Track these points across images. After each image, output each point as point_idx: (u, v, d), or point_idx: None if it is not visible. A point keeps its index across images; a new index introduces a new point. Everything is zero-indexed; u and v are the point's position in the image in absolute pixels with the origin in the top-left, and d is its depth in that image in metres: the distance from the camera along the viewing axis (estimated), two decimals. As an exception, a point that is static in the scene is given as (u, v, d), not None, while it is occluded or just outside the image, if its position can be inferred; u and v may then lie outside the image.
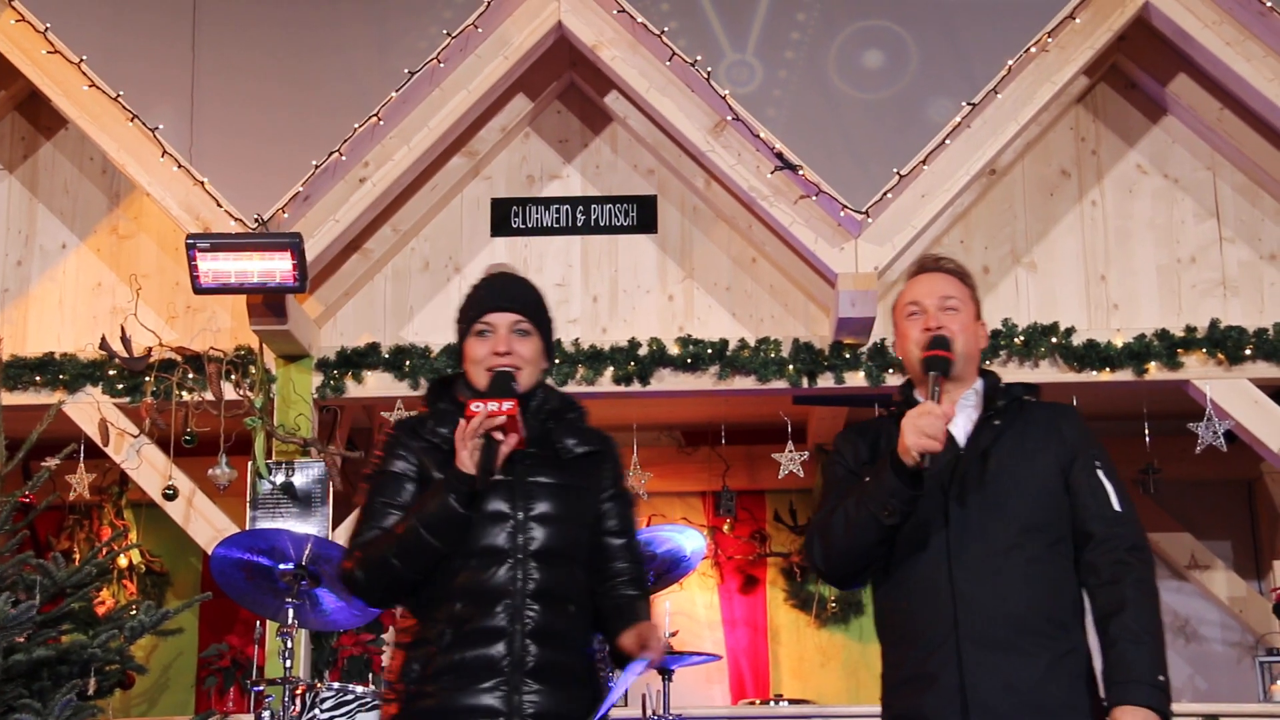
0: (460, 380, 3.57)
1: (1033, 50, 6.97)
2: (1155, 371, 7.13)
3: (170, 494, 7.06)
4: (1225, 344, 7.09)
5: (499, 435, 3.30)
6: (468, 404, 3.32)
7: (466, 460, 3.29)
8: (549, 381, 3.65)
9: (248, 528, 6.95)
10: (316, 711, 5.39)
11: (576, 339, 7.30)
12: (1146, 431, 7.42)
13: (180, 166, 6.98)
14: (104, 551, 5.76)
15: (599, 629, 3.48)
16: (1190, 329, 7.14)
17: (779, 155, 6.87)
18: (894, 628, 3.54)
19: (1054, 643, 3.38)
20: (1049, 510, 3.46)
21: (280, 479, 7.09)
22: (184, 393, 7.11)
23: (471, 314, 3.53)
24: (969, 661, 3.36)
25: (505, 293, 3.53)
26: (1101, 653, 3.39)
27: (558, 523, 3.41)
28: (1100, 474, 3.50)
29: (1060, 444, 3.52)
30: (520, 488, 3.40)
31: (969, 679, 3.36)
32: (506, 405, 3.28)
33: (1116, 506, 3.46)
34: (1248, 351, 7.08)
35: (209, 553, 5.95)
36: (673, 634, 7.19)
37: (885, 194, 6.89)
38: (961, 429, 3.55)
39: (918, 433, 3.35)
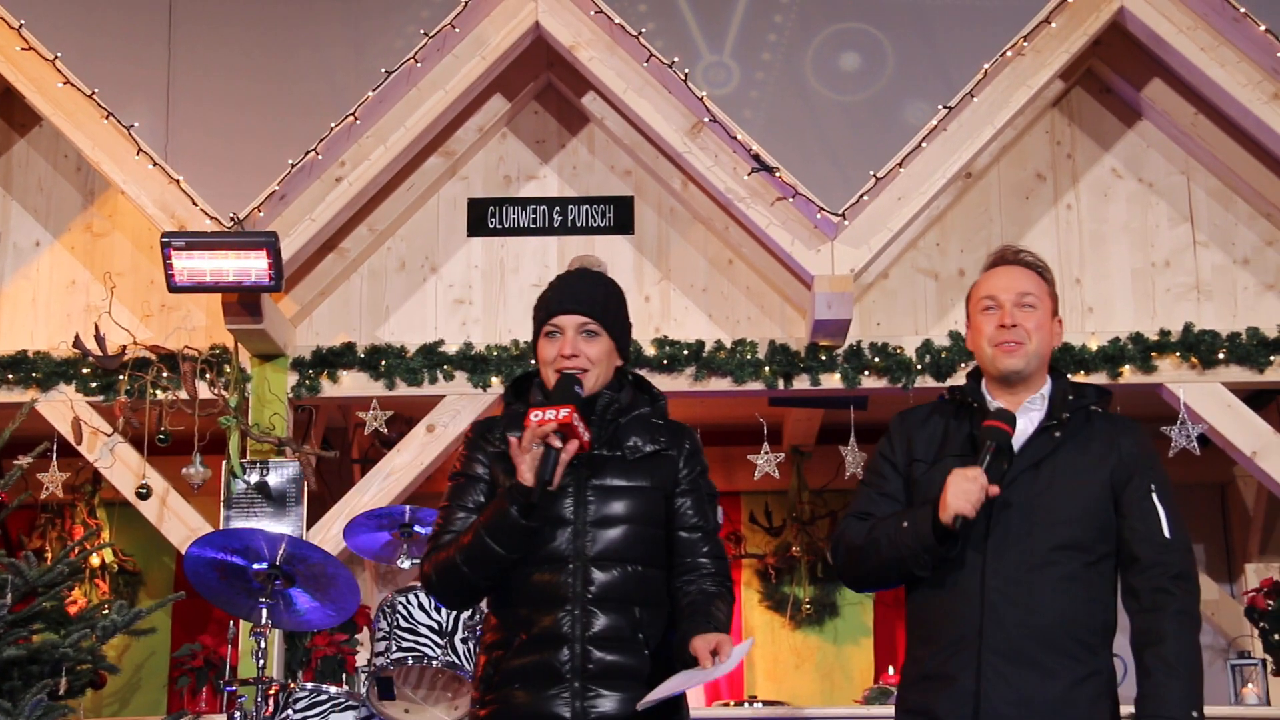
0: (536, 381, 3.60)
1: (1009, 54, 6.99)
2: (1129, 375, 7.16)
3: (144, 493, 7.03)
4: (1199, 348, 7.12)
5: (556, 443, 3.31)
6: (529, 412, 3.35)
7: (525, 472, 3.30)
8: (639, 374, 3.68)
9: (222, 527, 6.93)
10: (290, 712, 5.38)
11: (552, 340, 7.29)
12: (1120, 435, 7.44)
13: (155, 164, 6.95)
14: (76, 550, 5.74)
15: (673, 624, 3.47)
16: (1164, 333, 7.18)
17: (756, 157, 6.88)
18: (921, 625, 3.55)
19: (1077, 664, 3.37)
20: (1092, 530, 3.44)
21: (255, 478, 7.07)
22: (158, 391, 7.08)
23: (541, 315, 3.56)
24: (988, 670, 3.36)
25: (573, 294, 3.55)
26: (1137, 681, 3.38)
27: (620, 525, 3.42)
28: (1155, 498, 3.46)
29: (1117, 463, 3.49)
30: (583, 492, 3.42)
31: (985, 687, 3.36)
32: (563, 414, 3.30)
33: (1167, 533, 3.42)
34: (1221, 355, 7.11)
35: (182, 552, 5.94)
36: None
37: (861, 196, 6.90)
38: (1021, 434, 3.52)
39: (957, 494, 3.36)
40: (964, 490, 3.36)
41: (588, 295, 3.55)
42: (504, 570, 3.38)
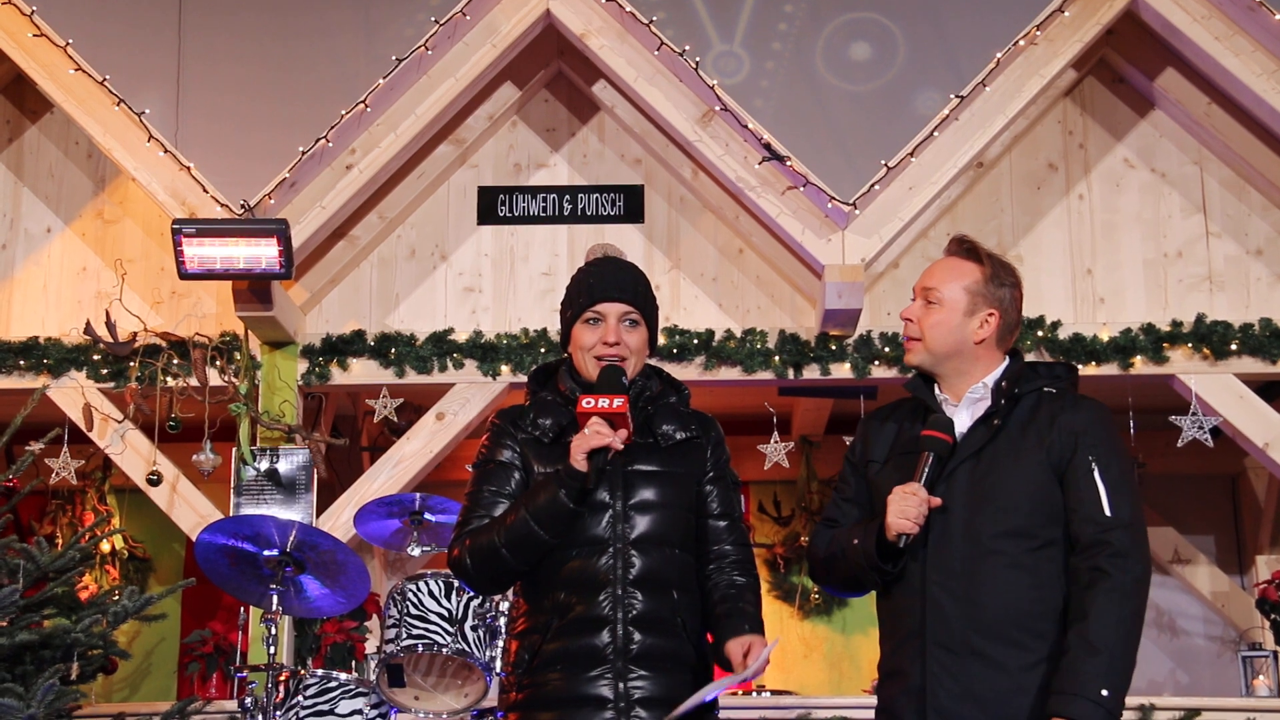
0: (564, 367, 3.61)
1: (1021, 43, 6.97)
2: (1141, 366, 7.14)
3: (154, 479, 7.04)
4: (1211, 339, 7.10)
5: (608, 433, 3.34)
6: (579, 398, 3.39)
7: (580, 457, 3.33)
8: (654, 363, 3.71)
9: (232, 514, 6.94)
10: (299, 698, 5.39)
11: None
12: (1132, 425, 7.44)
13: (166, 151, 6.94)
14: (87, 536, 5.75)
15: (705, 616, 3.51)
16: (1176, 323, 7.16)
17: (767, 146, 6.86)
18: (882, 622, 3.57)
19: (1025, 652, 3.32)
20: (1037, 515, 3.37)
21: (265, 465, 7.07)
22: (169, 378, 7.08)
23: (582, 301, 3.55)
24: (932, 664, 3.34)
25: (617, 282, 3.56)
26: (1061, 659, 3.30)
27: (658, 510, 3.45)
28: (1096, 474, 3.37)
29: (1056, 441, 3.40)
30: (620, 476, 3.45)
31: (930, 681, 3.34)
32: (617, 403, 3.35)
33: (1107, 510, 3.33)
34: (1233, 346, 7.09)
35: (193, 538, 5.94)
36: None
37: (872, 186, 6.88)
38: (965, 424, 3.48)
39: (896, 513, 3.34)
40: (902, 509, 3.34)
41: (631, 284, 3.57)
42: (541, 555, 3.40)
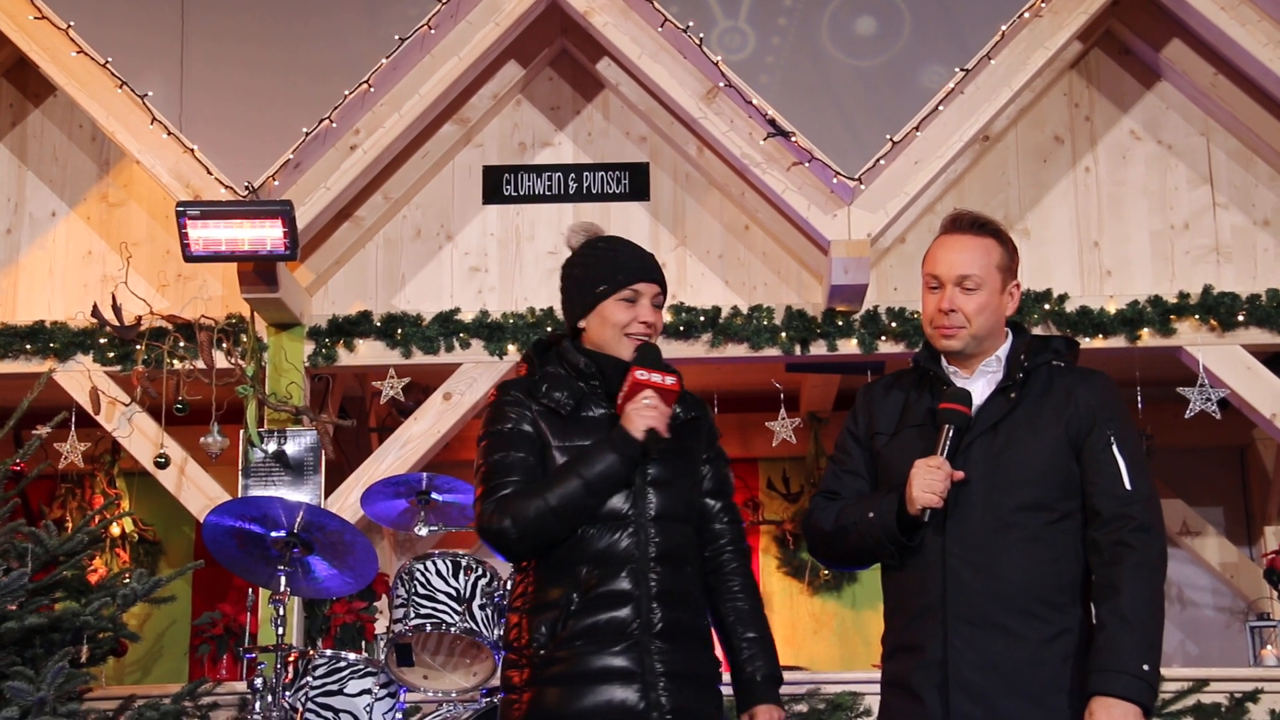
0: (569, 343, 3.62)
1: (1026, 15, 6.94)
2: (1148, 338, 7.13)
3: (162, 462, 7.05)
4: (1218, 310, 7.08)
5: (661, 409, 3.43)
6: (633, 369, 3.44)
7: (639, 426, 3.39)
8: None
9: (240, 496, 6.95)
10: (309, 679, 5.40)
11: (569, 306, 7.28)
12: (1139, 398, 7.43)
13: (170, 134, 6.94)
14: (96, 520, 5.78)
15: (708, 603, 3.62)
16: (1183, 295, 7.14)
17: (772, 122, 6.84)
18: (892, 595, 3.56)
19: (1045, 624, 3.33)
20: (1054, 487, 3.39)
21: (272, 447, 7.08)
22: (175, 361, 7.09)
23: (621, 278, 3.57)
24: (953, 637, 3.34)
25: (648, 263, 3.62)
26: (1095, 634, 3.32)
27: (671, 486, 3.51)
28: (1115, 449, 3.39)
29: (1075, 416, 3.42)
30: None
31: (951, 654, 3.34)
32: (669, 380, 3.43)
33: (1128, 484, 3.36)
34: (1240, 318, 7.07)
35: (201, 521, 5.95)
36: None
37: (878, 161, 6.86)
38: (979, 396, 3.48)
39: (922, 487, 3.34)
40: (928, 482, 3.35)
41: (659, 267, 3.63)
42: (578, 524, 3.43)
